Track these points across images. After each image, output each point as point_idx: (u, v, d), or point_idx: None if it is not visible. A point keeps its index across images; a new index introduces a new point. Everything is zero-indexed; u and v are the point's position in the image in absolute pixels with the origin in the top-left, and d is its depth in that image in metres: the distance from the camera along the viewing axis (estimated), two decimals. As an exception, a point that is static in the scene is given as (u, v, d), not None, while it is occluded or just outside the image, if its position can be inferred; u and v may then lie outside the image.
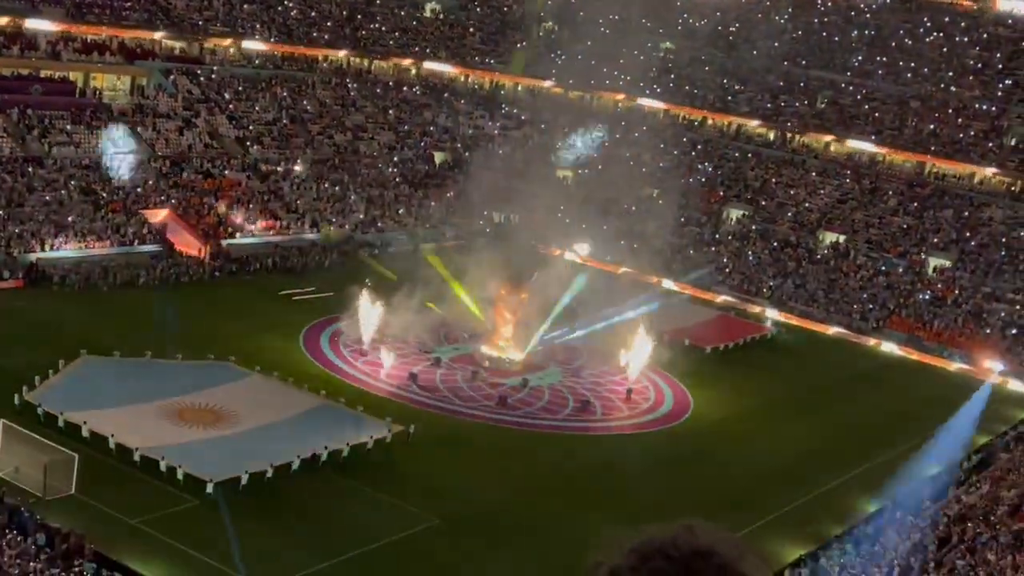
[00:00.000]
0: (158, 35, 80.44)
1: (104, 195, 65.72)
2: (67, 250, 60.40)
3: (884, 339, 69.07)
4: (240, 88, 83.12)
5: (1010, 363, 65.17)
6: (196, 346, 48.50)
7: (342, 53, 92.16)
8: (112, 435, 38.31)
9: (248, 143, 77.89)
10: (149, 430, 39.69)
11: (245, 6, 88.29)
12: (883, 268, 76.98)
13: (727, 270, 77.82)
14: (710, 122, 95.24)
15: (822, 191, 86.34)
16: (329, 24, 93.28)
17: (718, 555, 2.64)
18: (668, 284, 73.89)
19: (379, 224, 76.76)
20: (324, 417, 43.81)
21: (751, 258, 79.47)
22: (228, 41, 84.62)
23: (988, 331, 68.97)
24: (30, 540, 31.04)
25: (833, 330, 70.30)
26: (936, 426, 52.68)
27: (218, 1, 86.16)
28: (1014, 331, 68.81)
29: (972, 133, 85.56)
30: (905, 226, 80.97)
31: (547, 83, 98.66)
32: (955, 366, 65.84)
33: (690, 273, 75.16)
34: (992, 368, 64.59)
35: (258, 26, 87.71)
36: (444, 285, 58.89)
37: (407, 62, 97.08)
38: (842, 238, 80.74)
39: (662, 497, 40.02)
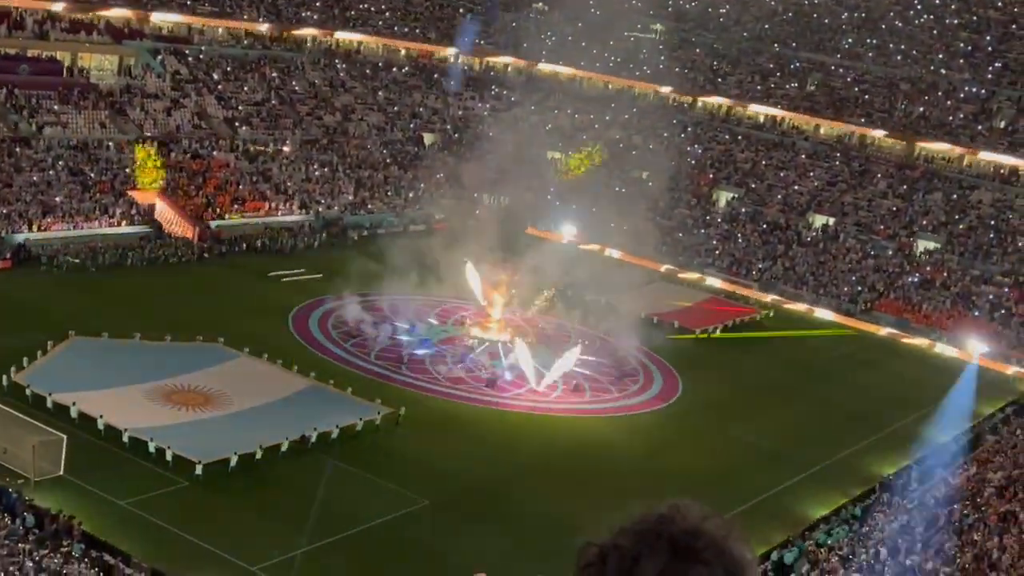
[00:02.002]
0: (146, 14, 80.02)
1: (92, 176, 65.47)
2: (55, 231, 60.19)
3: (874, 321, 69.39)
4: (228, 68, 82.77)
5: (997, 345, 65.41)
6: (185, 327, 48.39)
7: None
8: (101, 416, 38.26)
9: (237, 124, 77.58)
10: (138, 411, 39.63)
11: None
12: (872, 251, 77.13)
13: (717, 252, 77.96)
14: (700, 104, 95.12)
15: (812, 174, 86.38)
16: (318, 4, 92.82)
17: (707, 535, 2.67)
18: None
19: (368, 206, 76.65)
20: (313, 399, 43.79)
21: (741, 241, 79.53)
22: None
23: (976, 313, 69.19)
24: (18, 521, 31.03)
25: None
26: (929, 406, 53.42)
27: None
28: (1002, 313, 69.05)
29: (962, 115, 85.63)
30: (894, 209, 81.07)
31: (538, 64, 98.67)
32: (941, 348, 66.17)
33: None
34: (977, 350, 64.87)
35: (246, 5, 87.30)
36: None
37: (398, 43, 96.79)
38: (831, 221, 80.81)
39: (651, 478, 40.12)
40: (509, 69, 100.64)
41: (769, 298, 71.68)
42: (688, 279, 73.55)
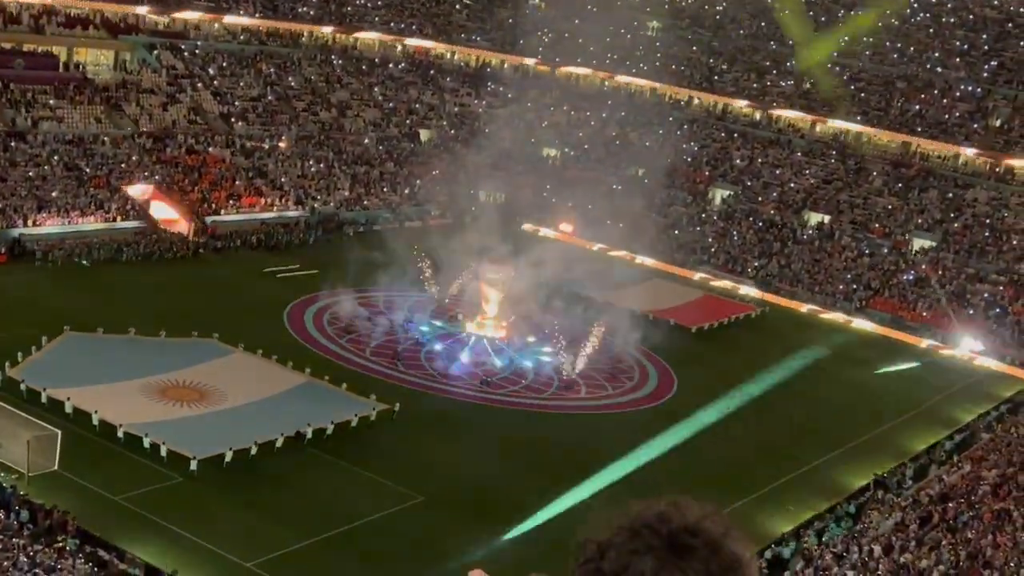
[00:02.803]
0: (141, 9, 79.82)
1: (87, 171, 65.37)
2: (50, 226, 60.10)
3: (867, 319, 69.42)
4: (224, 64, 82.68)
5: (991, 343, 65.54)
6: (180, 323, 48.35)
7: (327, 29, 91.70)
8: (96, 411, 38.24)
9: (233, 119, 77.49)
10: (133, 407, 39.59)
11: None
12: (867, 249, 77.20)
13: (712, 250, 77.99)
14: (696, 101, 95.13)
15: (807, 171, 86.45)
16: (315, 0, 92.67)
17: (705, 532, 2.67)
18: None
19: (364, 202, 76.59)
20: (308, 395, 43.77)
21: (736, 238, 79.57)
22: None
23: (971, 312, 69.28)
24: (13, 516, 30.99)
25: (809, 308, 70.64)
26: (911, 404, 53.78)
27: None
28: (996, 311, 69.13)
29: (958, 114, 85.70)
30: (890, 207, 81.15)
31: (532, 61, 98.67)
32: (928, 343, 66.27)
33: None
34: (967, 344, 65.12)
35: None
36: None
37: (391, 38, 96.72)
38: (827, 218, 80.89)
39: (645, 475, 40.16)
40: (505, 66, 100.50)
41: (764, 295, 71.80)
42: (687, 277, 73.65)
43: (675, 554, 2.63)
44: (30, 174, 62.81)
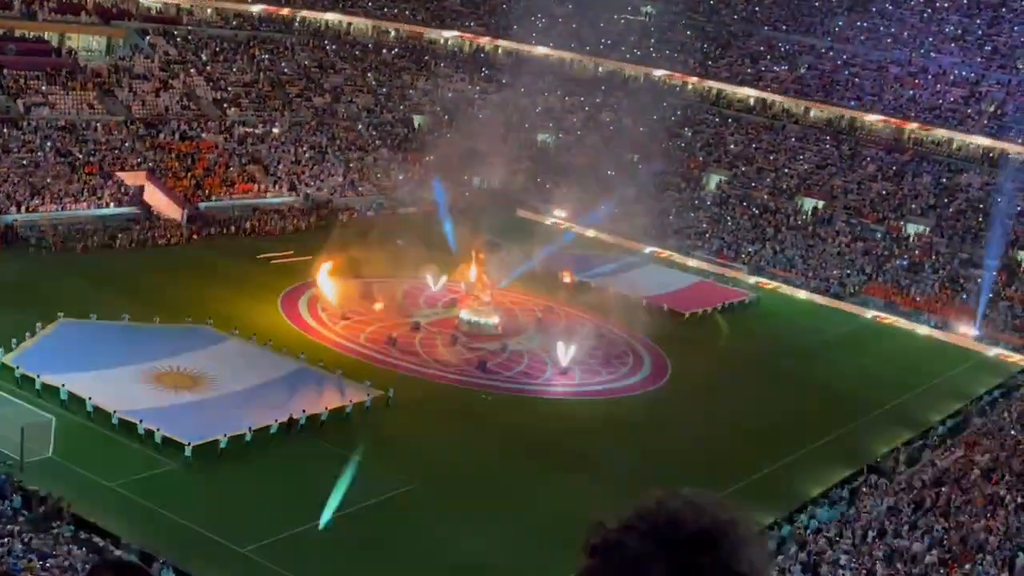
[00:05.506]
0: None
1: (80, 157, 65.16)
2: (43, 212, 59.90)
3: (861, 305, 69.43)
4: (217, 49, 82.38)
5: (984, 328, 65.64)
6: (174, 310, 48.33)
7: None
8: (90, 398, 38.21)
9: (225, 105, 77.24)
10: (127, 393, 39.58)
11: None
12: (861, 233, 77.17)
13: (706, 235, 77.95)
14: (690, 87, 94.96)
15: (801, 156, 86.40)
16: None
17: (719, 537, 2.54)
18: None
19: (358, 188, 76.46)
20: (303, 381, 43.78)
21: (730, 224, 79.52)
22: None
23: (965, 297, 69.34)
24: (7, 503, 30.99)
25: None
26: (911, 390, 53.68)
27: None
28: (989, 296, 69.13)
29: (951, 99, 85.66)
30: (883, 192, 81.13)
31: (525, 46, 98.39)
32: (927, 330, 66.36)
33: None
34: (966, 333, 65.24)
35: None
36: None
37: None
38: (821, 204, 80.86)
39: (640, 460, 40.18)
40: (500, 51, 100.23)
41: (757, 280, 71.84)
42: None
43: (685, 562, 2.52)
44: (23, 161, 62.59)
